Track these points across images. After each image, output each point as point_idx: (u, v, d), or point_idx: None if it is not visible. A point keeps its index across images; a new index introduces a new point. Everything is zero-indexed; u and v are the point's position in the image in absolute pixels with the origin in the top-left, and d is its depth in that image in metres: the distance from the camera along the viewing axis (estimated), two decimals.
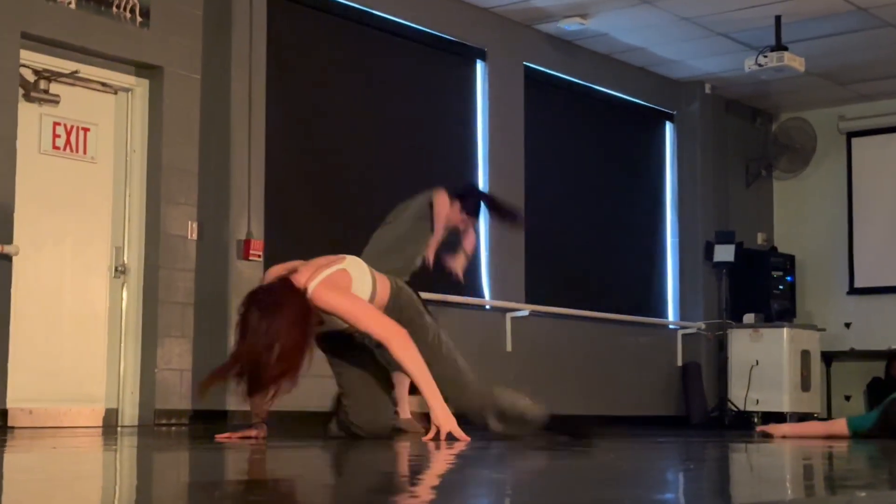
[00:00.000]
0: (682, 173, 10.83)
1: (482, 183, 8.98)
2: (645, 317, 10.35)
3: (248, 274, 7.25)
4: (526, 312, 9.07)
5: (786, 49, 8.96)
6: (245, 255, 7.27)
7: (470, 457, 4.09)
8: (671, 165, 10.87)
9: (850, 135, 11.37)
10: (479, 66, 9.08)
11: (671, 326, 10.67)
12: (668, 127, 10.88)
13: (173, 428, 6.80)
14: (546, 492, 2.65)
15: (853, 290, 11.22)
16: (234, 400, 7.05)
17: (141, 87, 7.25)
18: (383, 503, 2.32)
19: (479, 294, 8.89)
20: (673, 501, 2.38)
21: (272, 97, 7.54)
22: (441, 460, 3.82)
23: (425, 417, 5.60)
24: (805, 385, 10.43)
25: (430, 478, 3.03)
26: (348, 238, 8.00)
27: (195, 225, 7.25)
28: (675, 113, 10.86)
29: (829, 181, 11.39)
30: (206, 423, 6.99)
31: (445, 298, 7.89)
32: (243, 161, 7.33)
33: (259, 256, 7.31)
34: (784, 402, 10.24)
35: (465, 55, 9.01)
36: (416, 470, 3.39)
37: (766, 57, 8.96)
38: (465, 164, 8.97)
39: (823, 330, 10.87)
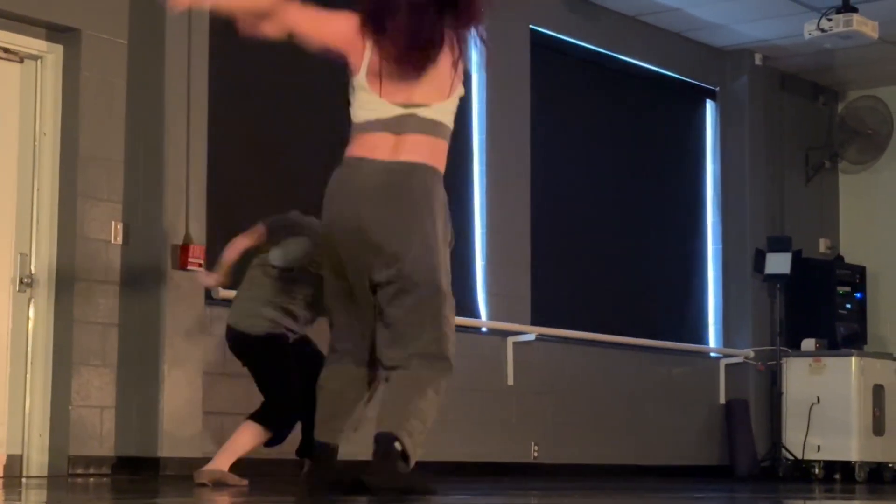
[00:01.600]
0: (727, 164, 10.85)
1: (478, 175, 9.00)
2: (680, 343, 10.35)
3: (187, 287, 7.22)
4: (532, 336, 9.06)
5: (855, 10, 8.98)
6: (182, 264, 7.23)
7: None
8: (713, 154, 10.89)
9: None
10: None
11: (712, 355, 10.67)
12: (710, 106, 10.91)
13: (91, 479, 6.78)
14: None
15: None
16: (166, 446, 7.03)
17: (53, 53, 7.22)
18: None
19: (475, 314, 8.89)
20: None
21: (217, 68, 7.50)
22: None
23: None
24: (878, 428, 10.43)
25: None
26: None
27: (120, 226, 7.23)
28: (717, 89, 10.88)
29: None
30: (131, 472, 6.97)
31: None
32: (180, 147, 7.30)
33: (199, 265, 7.27)
34: (852, 450, 10.26)
35: None
36: None
37: (830, 20, 8.98)
38: (457, 152, 8.93)
39: None
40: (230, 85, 7.66)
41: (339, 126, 8.18)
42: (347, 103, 4.98)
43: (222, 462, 6.35)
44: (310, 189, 7.96)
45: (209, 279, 6.60)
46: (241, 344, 6.33)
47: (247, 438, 6.33)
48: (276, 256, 6.31)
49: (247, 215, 7.66)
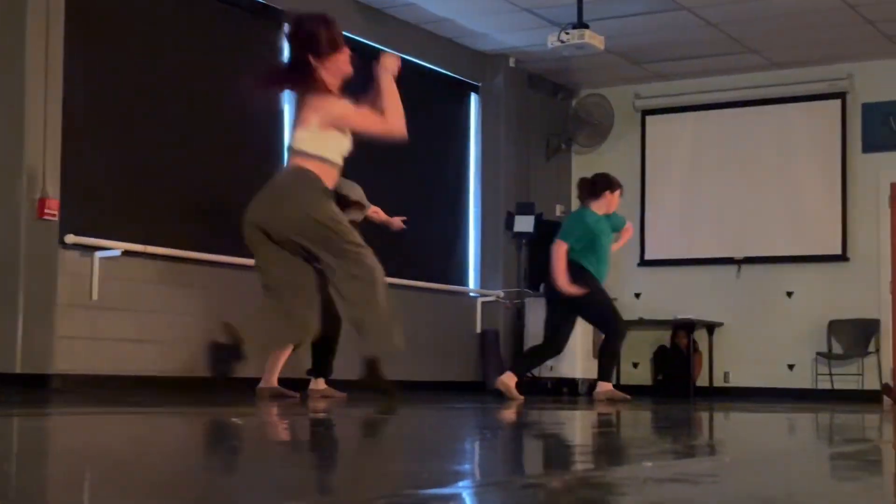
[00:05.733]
0: (486, 144, 10.97)
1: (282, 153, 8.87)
2: (447, 284, 10.46)
3: (43, 235, 6.96)
4: None
5: (587, 27, 9.15)
6: (39, 215, 6.97)
7: (270, 424, 4.05)
8: (475, 136, 11.00)
9: (645, 112, 11.74)
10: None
11: (471, 294, 10.82)
12: (474, 98, 11.00)
13: None
14: (351, 464, 2.64)
15: (643, 262, 11.63)
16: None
17: None
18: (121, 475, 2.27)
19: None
20: (469, 473, 2.41)
21: (72, 48, 7.21)
22: (243, 428, 3.77)
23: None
24: (596, 352, 10.70)
25: (212, 447, 2.98)
26: (156, 202, 7.79)
27: None
28: (480, 85, 10.97)
29: (624, 156, 11.74)
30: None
31: None
32: (39, 119, 7.00)
33: (54, 216, 7.02)
34: (577, 369, 10.53)
35: (268, 18, 8.85)
36: (200, 439, 3.33)
37: (567, 34, 9.12)
38: (272, 135, 8.83)
39: (615, 300, 11.16)
40: (85, 67, 7.36)
41: (177, 106, 7.99)
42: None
43: (269, 381, 6.81)
44: (161, 161, 7.78)
45: None
46: None
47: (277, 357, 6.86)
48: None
49: (96, 176, 7.45)
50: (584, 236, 7.96)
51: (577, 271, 7.97)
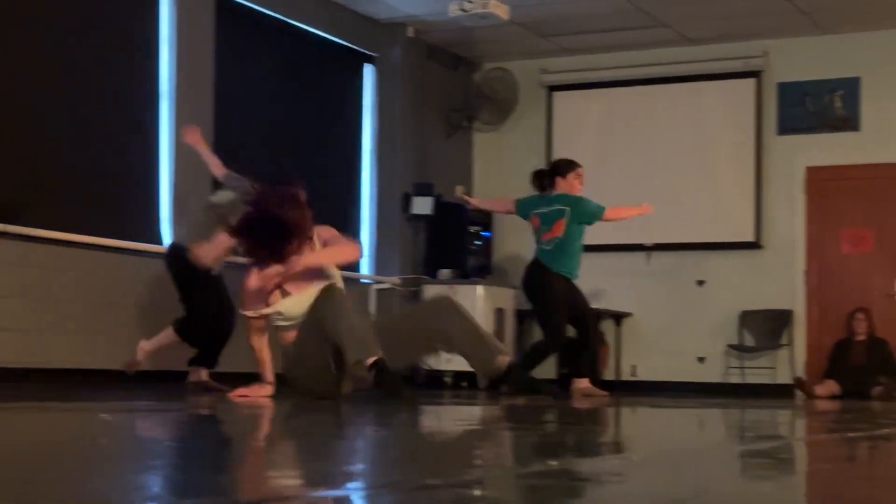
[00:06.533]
0: (382, 120, 10.92)
1: (164, 124, 8.71)
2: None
3: None
4: None
5: None
6: None
7: (143, 419, 3.97)
8: (371, 111, 10.94)
9: (552, 88, 11.81)
10: None
11: (364, 281, 10.77)
12: (369, 70, 10.94)
13: None
14: (233, 464, 2.59)
15: None
16: None
17: None
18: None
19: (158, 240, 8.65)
20: (360, 474, 2.38)
21: None
22: (112, 424, 3.69)
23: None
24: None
25: (75, 446, 2.90)
26: (17, 179, 7.59)
27: None
28: (376, 56, 10.91)
29: (530, 135, 11.80)
30: None
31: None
32: None
33: None
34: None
35: None
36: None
37: (470, 2, 9.14)
38: (146, 102, 8.67)
39: (517, 288, 11.26)
40: None
41: (44, 76, 7.79)
42: None
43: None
44: (15, 130, 7.58)
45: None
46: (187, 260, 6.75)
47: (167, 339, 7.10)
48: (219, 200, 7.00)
49: None
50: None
51: (542, 272, 8.15)
